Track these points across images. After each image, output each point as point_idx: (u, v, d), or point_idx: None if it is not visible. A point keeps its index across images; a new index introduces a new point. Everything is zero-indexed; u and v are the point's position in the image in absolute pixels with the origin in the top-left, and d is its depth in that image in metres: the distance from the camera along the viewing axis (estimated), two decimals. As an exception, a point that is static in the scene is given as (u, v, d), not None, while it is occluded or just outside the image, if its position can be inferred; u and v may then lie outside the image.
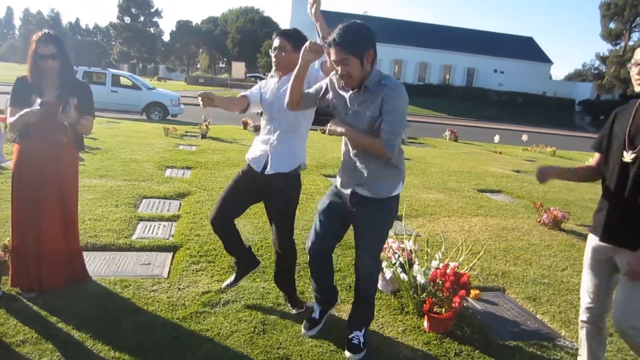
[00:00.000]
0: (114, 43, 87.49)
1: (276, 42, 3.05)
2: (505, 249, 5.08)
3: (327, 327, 3.11)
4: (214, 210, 3.18)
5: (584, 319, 2.54)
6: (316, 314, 3.06)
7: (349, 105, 2.63)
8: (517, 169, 11.43)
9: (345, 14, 54.12)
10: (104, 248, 4.18)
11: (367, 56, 2.50)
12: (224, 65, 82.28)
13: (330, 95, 2.76)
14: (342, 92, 2.67)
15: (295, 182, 3.16)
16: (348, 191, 2.75)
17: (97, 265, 3.84)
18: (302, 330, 3.01)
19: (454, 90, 48.27)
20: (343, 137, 2.73)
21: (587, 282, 2.51)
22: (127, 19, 79.39)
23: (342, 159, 2.86)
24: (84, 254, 3.68)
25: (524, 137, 19.96)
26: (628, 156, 2.23)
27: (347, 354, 2.81)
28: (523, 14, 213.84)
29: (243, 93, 3.20)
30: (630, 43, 44.38)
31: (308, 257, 2.96)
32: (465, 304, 3.38)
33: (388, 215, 2.78)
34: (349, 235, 2.92)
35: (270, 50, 3.14)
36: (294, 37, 3.04)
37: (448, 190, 8.06)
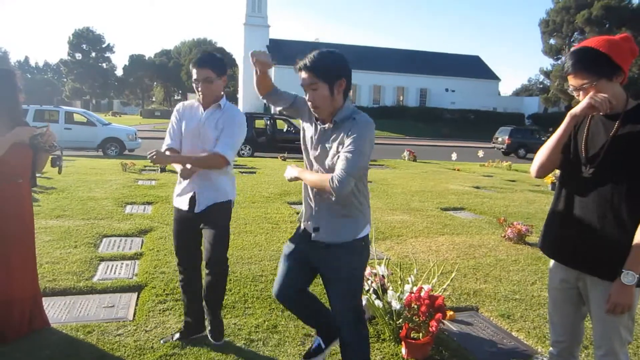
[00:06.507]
0: (65, 80, 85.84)
1: (203, 73, 2.93)
2: (475, 267, 5.11)
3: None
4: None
5: (554, 352, 2.29)
6: (319, 343, 2.70)
7: (319, 140, 2.44)
8: (476, 185, 11.68)
9: (297, 41, 54.91)
10: (64, 292, 3.96)
11: (338, 85, 2.36)
12: (179, 97, 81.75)
13: (303, 124, 2.60)
14: (315, 124, 2.48)
15: (227, 211, 3.14)
16: (309, 228, 2.52)
17: (56, 311, 3.63)
18: None
19: (408, 110, 49.58)
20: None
21: (553, 313, 2.28)
22: (79, 55, 78.26)
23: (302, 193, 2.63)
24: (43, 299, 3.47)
25: (480, 154, 20.50)
26: (586, 171, 2.07)
27: None
28: (469, 33, 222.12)
29: (170, 146, 3.11)
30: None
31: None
32: (441, 326, 3.34)
33: (358, 257, 2.47)
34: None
35: (193, 82, 2.99)
36: (217, 65, 2.97)
37: (412, 210, 8.13)
